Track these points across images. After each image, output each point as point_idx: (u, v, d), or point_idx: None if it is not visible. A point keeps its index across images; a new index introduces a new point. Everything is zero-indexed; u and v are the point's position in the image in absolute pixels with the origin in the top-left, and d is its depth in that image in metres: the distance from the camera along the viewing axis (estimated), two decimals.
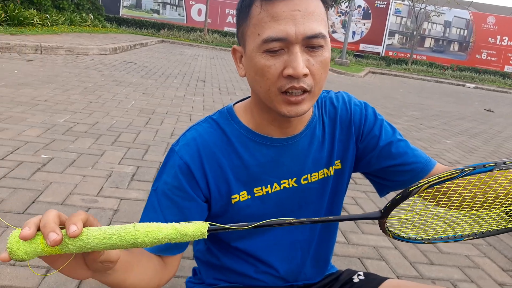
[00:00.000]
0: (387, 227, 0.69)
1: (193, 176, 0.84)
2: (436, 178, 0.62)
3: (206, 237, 0.59)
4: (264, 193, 0.90)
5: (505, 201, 0.74)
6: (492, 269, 2.17)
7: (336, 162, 0.96)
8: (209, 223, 0.60)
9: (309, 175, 0.93)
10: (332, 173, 0.95)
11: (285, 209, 0.93)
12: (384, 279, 1.04)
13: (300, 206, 0.95)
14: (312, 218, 0.64)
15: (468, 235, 0.74)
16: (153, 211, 0.83)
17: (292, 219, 0.62)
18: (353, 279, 1.07)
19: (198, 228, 0.59)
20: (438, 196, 0.72)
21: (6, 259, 0.54)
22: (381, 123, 0.96)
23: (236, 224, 0.61)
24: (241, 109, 0.91)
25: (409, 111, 7.48)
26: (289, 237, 0.97)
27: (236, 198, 0.89)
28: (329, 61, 0.79)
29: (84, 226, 0.56)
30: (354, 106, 0.97)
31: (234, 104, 0.93)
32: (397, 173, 0.94)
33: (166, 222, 0.81)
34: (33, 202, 2.15)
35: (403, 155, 0.93)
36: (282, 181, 0.91)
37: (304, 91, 0.76)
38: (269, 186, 0.90)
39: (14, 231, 0.55)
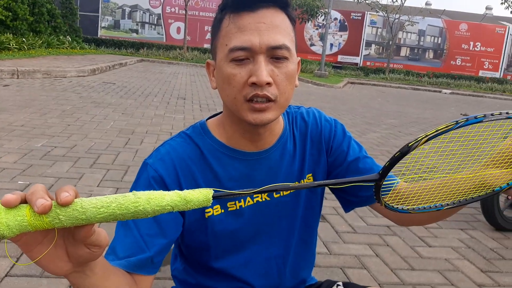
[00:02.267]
0: (381, 194, 0.70)
1: (167, 188, 0.84)
2: (433, 131, 0.64)
3: (211, 204, 0.56)
4: (238, 208, 0.91)
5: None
6: (471, 271, 2.21)
7: (307, 175, 0.98)
8: (213, 189, 0.56)
9: None
10: None
11: (259, 222, 0.95)
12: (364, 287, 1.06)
13: (274, 219, 0.96)
14: (315, 182, 0.65)
15: (448, 204, 0.75)
16: (126, 227, 0.81)
17: (296, 183, 0.62)
18: None
19: (203, 194, 0.54)
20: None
21: None
22: (349, 140, 1.00)
23: (241, 190, 0.59)
24: (213, 124, 0.93)
25: (388, 119, 7.62)
26: (264, 254, 0.98)
27: (209, 212, 0.90)
28: (295, 74, 0.82)
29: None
30: (325, 122, 1.00)
31: (207, 119, 0.95)
32: (363, 188, 0.96)
33: (141, 237, 0.81)
34: None
35: (369, 171, 0.96)
36: (255, 195, 0.92)
37: (269, 100, 0.78)
38: (242, 200, 0.91)
39: None
